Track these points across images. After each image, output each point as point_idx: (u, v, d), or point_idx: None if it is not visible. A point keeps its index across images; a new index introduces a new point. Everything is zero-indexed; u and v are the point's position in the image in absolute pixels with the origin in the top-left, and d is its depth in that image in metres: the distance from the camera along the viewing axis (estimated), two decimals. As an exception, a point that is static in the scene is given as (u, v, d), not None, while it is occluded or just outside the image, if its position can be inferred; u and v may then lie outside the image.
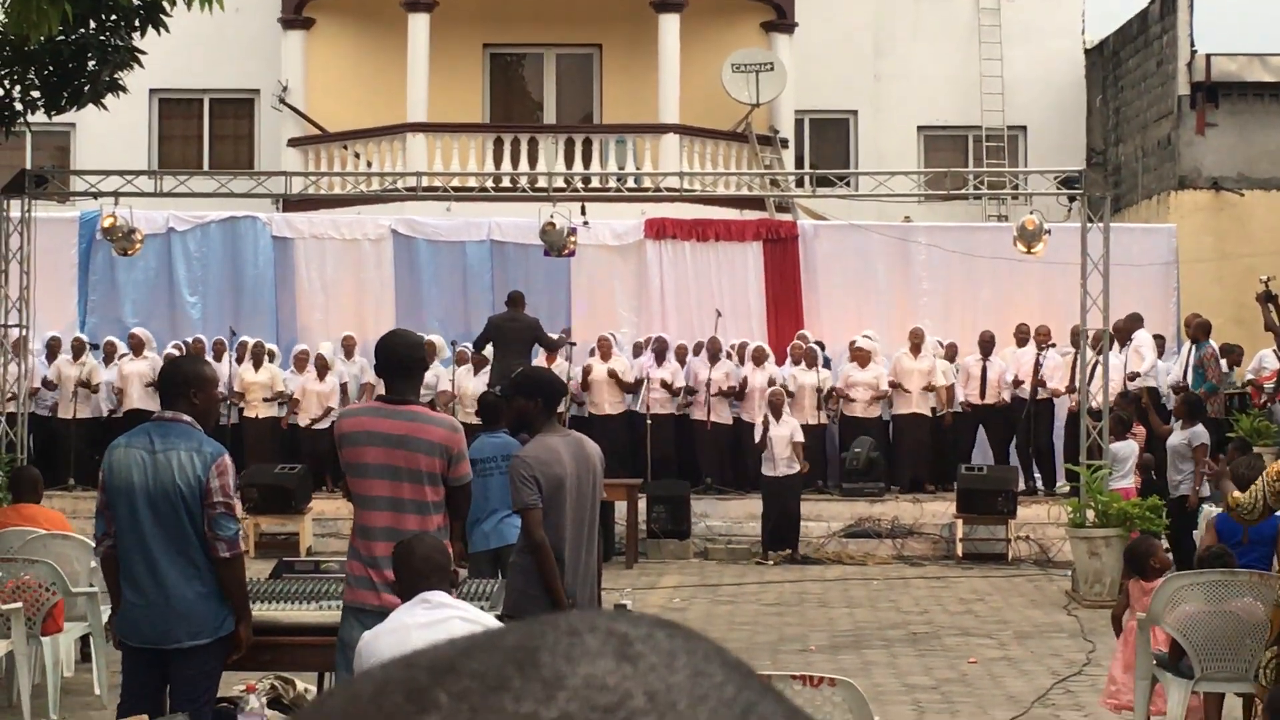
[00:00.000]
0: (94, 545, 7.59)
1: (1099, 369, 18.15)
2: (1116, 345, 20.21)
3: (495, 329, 20.20)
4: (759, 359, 21.34)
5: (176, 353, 21.25)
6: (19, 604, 10.35)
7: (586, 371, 21.44)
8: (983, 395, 21.46)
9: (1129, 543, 12.19)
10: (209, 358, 21.25)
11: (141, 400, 21.30)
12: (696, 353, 21.83)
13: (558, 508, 7.82)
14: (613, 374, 21.35)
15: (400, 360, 7.73)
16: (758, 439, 19.29)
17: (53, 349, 21.97)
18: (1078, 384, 19.15)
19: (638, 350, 22.17)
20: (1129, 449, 17.18)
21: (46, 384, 21.63)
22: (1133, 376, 19.99)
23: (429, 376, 21.34)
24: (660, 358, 21.59)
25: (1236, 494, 8.68)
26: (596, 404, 21.42)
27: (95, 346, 22.14)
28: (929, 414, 21.50)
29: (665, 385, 21.30)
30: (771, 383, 20.61)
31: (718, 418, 21.31)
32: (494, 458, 11.25)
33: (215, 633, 7.33)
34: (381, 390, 8.71)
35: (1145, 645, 9.11)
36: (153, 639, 7.30)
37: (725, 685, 0.79)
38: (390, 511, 7.45)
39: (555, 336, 20.87)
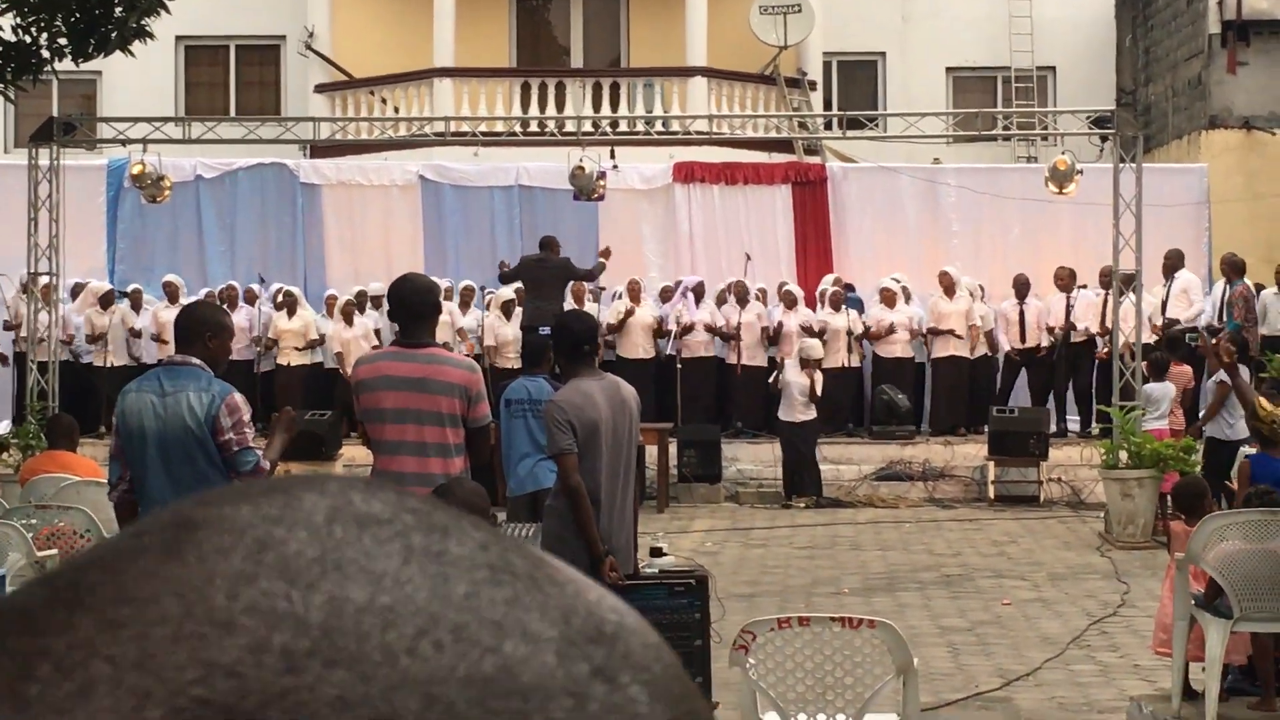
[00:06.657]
0: (108, 490, 7.45)
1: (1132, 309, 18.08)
2: (1162, 280, 20.11)
3: (526, 270, 20.06)
4: (790, 302, 21.22)
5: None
6: (54, 550, 10.37)
7: (619, 315, 21.31)
8: (1023, 339, 21.33)
9: (1178, 483, 11.93)
10: (241, 304, 21.36)
11: (180, 348, 21.25)
12: (725, 297, 21.72)
13: (593, 452, 7.78)
14: (640, 318, 21.27)
15: (412, 305, 7.70)
16: (771, 380, 19.21)
17: (75, 293, 21.77)
18: (1109, 324, 19.04)
19: (666, 295, 22.08)
20: (1164, 390, 17.04)
21: (89, 339, 21.47)
22: (1170, 323, 19.70)
23: (469, 321, 21.31)
24: (699, 299, 21.50)
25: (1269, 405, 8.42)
26: (627, 348, 21.33)
27: (123, 294, 22.05)
28: (967, 356, 21.38)
29: (709, 328, 21.21)
30: (804, 327, 20.54)
31: (750, 360, 21.21)
32: (525, 399, 11.14)
33: None
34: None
35: (1184, 586, 9.05)
36: None
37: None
38: (414, 456, 7.41)
39: (589, 267, 20.58)
